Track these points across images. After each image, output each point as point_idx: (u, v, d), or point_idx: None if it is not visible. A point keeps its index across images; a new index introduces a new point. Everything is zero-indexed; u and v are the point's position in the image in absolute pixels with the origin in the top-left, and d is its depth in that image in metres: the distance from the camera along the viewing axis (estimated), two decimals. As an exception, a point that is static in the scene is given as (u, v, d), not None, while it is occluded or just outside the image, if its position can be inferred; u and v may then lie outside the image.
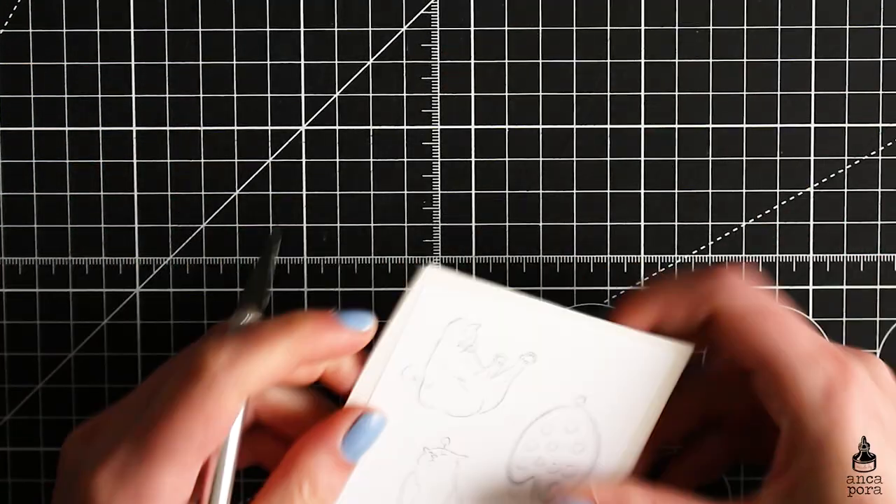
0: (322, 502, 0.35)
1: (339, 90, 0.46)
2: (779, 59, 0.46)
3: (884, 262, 0.46)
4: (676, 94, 0.46)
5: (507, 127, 0.46)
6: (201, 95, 0.46)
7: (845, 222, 0.46)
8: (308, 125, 0.46)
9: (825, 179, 0.46)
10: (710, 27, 0.46)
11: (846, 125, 0.46)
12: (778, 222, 0.46)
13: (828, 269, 0.46)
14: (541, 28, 0.46)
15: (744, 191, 0.46)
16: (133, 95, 0.46)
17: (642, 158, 0.46)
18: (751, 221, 0.46)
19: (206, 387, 0.33)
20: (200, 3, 0.45)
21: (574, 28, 0.46)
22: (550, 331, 0.41)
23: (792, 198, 0.46)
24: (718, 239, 0.46)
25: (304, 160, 0.46)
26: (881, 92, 0.46)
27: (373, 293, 0.46)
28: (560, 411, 0.42)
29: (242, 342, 0.34)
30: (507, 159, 0.46)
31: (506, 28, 0.46)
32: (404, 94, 0.46)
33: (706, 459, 0.43)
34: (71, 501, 0.34)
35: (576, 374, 0.41)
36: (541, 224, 0.46)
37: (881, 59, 0.46)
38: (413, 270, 0.46)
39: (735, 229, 0.46)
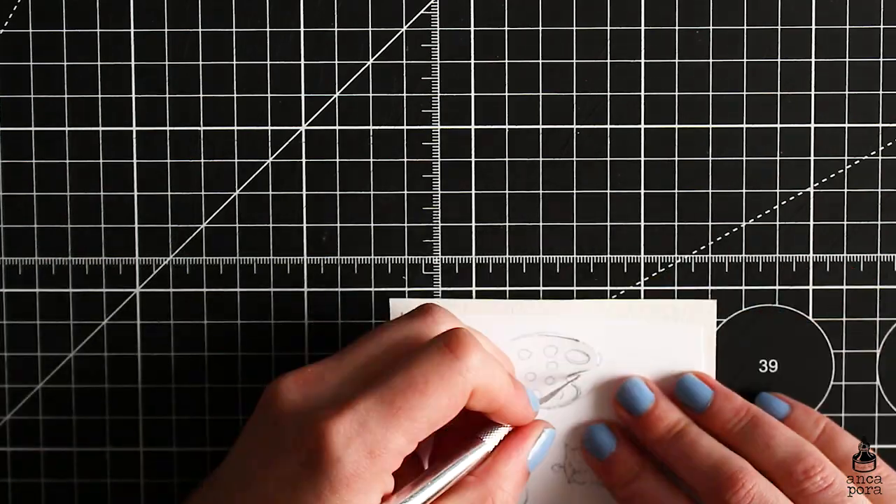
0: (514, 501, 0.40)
1: (339, 90, 0.46)
2: (779, 59, 0.46)
3: (884, 262, 0.46)
4: (676, 94, 0.46)
5: (507, 127, 0.46)
6: (201, 95, 0.46)
7: (845, 222, 0.46)
8: (308, 125, 0.46)
9: (825, 179, 0.46)
10: (710, 27, 0.46)
11: (846, 125, 0.46)
12: (778, 222, 0.46)
13: (828, 269, 0.46)
14: (541, 28, 0.46)
15: (744, 191, 0.46)
16: (133, 95, 0.46)
17: (642, 158, 0.46)
18: (751, 221, 0.46)
19: (460, 373, 0.37)
20: (200, 3, 0.45)
21: (574, 28, 0.46)
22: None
23: (792, 198, 0.46)
24: (718, 239, 0.46)
25: (304, 160, 0.46)
26: (881, 92, 0.46)
27: (373, 293, 0.46)
28: None
29: (492, 357, 0.39)
30: (507, 159, 0.46)
31: (506, 28, 0.46)
32: (404, 94, 0.46)
33: None
34: (297, 439, 0.36)
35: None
36: (541, 224, 0.46)
37: (881, 59, 0.46)
38: (413, 270, 0.46)
39: (735, 229, 0.46)
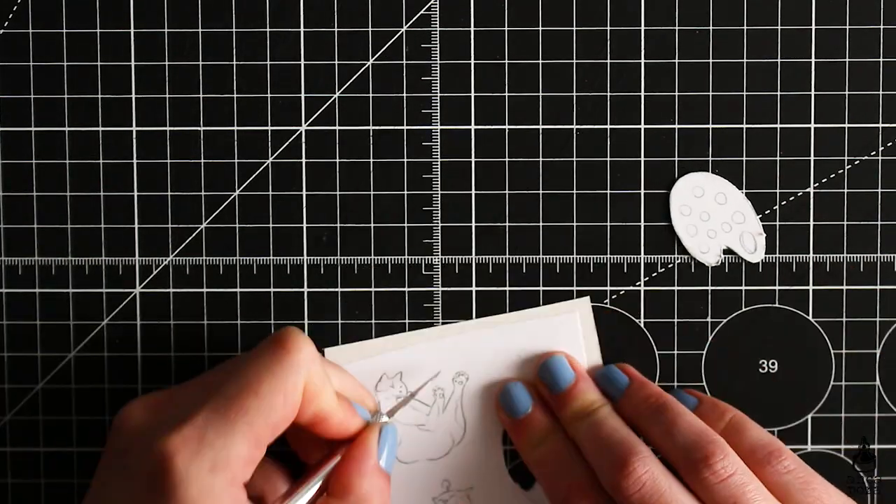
0: None
1: (339, 90, 0.46)
2: (779, 59, 0.46)
3: (884, 262, 0.46)
4: (676, 94, 0.46)
5: (507, 127, 0.46)
6: (201, 95, 0.46)
7: (845, 222, 0.46)
8: (308, 125, 0.46)
9: (825, 179, 0.46)
10: (710, 27, 0.46)
11: (846, 125, 0.46)
12: (778, 222, 0.46)
13: (828, 269, 0.46)
14: (541, 28, 0.46)
15: (744, 191, 0.46)
16: (133, 95, 0.46)
17: (642, 158, 0.46)
18: (751, 221, 0.46)
19: (291, 367, 0.37)
20: (200, 3, 0.45)
21: (574, 28, 0.46)
22: (462, 346, 0.45)
23: (792, 198, 0.46)
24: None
25: (304, 160, 0.46)
26: (881, 92, 0.46)
27: (373, 293, 0.46)
28: None
29: (320, 357, 0.38)
30: (507, 159, 0.46)
31: (506, 28, 0.46)
32: (404, 94, 0.46)
33: None
34: (139, 464, 0.35)
35: (508, 369, 0.45)
36: (541, 224, 0.46)
37: (881, 59, 0.46)
38: (413, 270, 0.46)
39: (735, 229, 0.46)
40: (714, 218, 0.45)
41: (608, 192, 0.46)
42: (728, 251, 0.45)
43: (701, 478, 0.40)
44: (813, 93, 0.46)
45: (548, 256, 0.46)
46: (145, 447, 0.35)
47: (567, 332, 0.46)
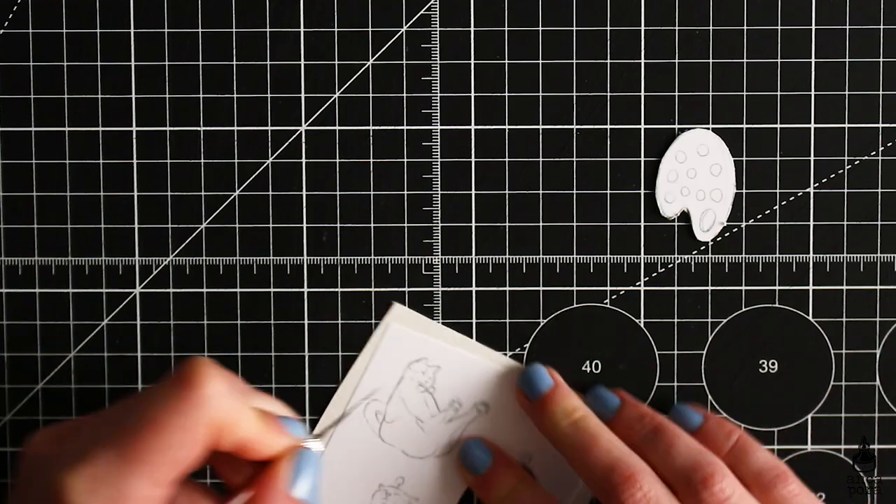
0: None
1: (339, 90, 0.46)
2: (779, 59, 0.46)
3: (884, 262, 0.46)
4: (676, 94, 0.46)
5: (507, 127, 0.46)
6: (201, 95, 0.46)
7: (845, 222, 0.46)
8: (308, 125, 0.46)
9: (825, 179, 0.46)
10: (710, 27, 0.46)
11: (846, 125, 0.46)
12: (778, 222, 0.46)
13: (828, 269, 0.46)
14: (541, 28, 0.46)
15: (744, 190, 0.46)
16: (133, 95, 0.46)
17: (642, 158, 0.46)
18: (751, 221, 0.46)
19: (196, 405, 0.34)
20: (200, 3, 0.45)
21: (574, 28, 0.46)
22: (505, 384, 0.46)
23: (792, 198, 0.46)
24: (718, 239, 0.46)
25: (304, 160, 0.46)
26: (881, 92, 0.46)
27: (373, 293, 0.46)
28: None
29: (236, 387, 0.36)
30: (507, 159, 0.46)
31: (506, 28, 0.46)
32: (404, 94, 0.46)
33: None
34: (38, 497, 0.34)
35: (523, 432, 0.46)
36: (541, 224, 0.46)
37: (881, 59, 0.46)
38: (413, 270, 0.46)
39: (735, 229, 0.46)
40: (698, 179, 0.45)
41: (608, 192, 0.46)
42: (684, 217, 0.45)
43: (699, 499, 0.40)
44: (813, 93, 0.46)
45: (548, 256, 0.46)
46: (46, 480, 0.34)
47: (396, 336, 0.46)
